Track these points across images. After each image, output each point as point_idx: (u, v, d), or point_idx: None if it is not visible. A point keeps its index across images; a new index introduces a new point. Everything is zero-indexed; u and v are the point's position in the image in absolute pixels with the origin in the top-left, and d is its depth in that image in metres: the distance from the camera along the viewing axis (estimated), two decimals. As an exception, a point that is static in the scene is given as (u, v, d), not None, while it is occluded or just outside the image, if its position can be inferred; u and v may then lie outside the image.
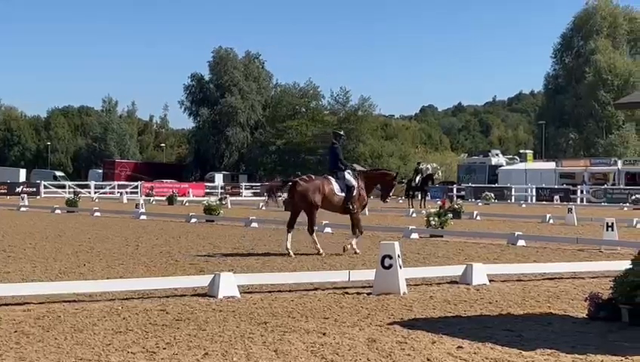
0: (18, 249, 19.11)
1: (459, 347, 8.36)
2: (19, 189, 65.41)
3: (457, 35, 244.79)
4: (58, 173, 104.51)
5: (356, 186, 18.73)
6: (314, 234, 18.61)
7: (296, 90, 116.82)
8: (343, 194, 18.57)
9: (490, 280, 13.51)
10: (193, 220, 31.25)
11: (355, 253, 18.26)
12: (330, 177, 18.73)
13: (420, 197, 49.35)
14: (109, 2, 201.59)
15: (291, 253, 17.77)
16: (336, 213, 19.54)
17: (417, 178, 49.99)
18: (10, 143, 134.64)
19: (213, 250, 19.19)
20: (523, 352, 8.14)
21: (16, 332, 8.98)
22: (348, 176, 18.73)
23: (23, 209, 41.77)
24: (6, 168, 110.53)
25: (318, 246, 18.30)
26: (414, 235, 23.53)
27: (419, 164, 55.27)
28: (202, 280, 12.16)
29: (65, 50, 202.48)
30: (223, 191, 75.21)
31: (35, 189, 68.90)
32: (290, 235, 18.20)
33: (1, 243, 20.59)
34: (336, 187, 18.52)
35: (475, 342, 8.55)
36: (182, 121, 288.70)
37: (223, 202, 41.34)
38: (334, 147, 19.28)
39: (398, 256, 12.07)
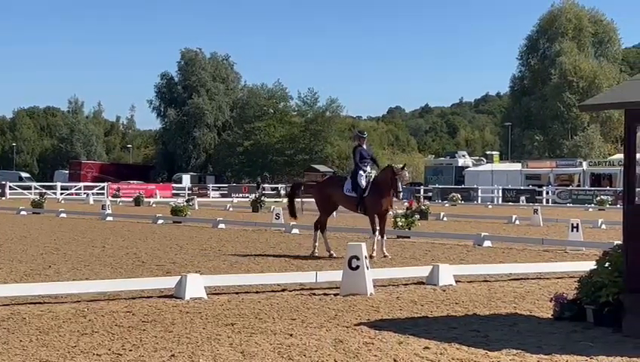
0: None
1: (425, 347, 8.39)
2: (-17, 190, 64.80)
3: (425, 37, 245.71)
4: (24, 174, 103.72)
5: (367, 188, 18.41)
6: (321, 232, 18.92)
7: (264, 92, 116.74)
8: (353, 194, 18.54)
9: (456, 281, 13.58)
10: (160, 221, 31.12)
11: (384, 256, 18.04)
12: (347, 177, 19.24)
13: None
14: (75, 1, 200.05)
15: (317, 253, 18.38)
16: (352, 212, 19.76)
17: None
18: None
19: (179, 252, 19.12)
20: (489, 353, 8.19)
21: (-20, 334, 8.91)
22: (359, 177, 18.58)
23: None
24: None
25: (316, 244, 18.62)
26: (381, 236, 23.54)
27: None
28: (169, 282, 12.12)
29: (30, 50, 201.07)
30: (190, 192, 74.96)
31: (0, 190, 68.26)
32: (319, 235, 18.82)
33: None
34: (346, 187, 18.64)
35: (442, 343, 8.59)
36: (149, 122, 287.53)
37: (190, 203, 41.22)
38: (354, 148, 19.35)
39: (365, 257, 12.11)
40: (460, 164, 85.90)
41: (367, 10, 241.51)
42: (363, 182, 18.41)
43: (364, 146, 19.22)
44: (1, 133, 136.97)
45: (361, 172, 18.57)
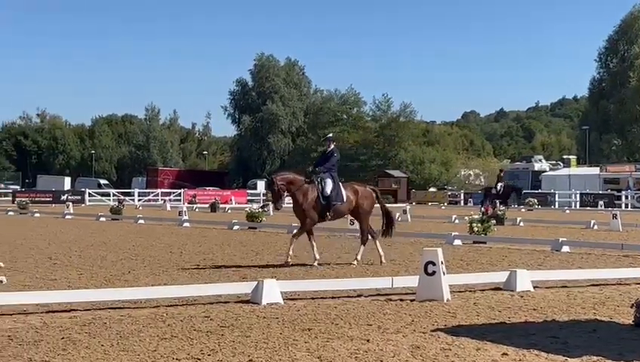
0: (64, 256, 19.32)
1: (504, 354, 8.32)
2: (64, 197, 66.05)
3: (500, 41, 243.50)
4: (102, 181, 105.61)
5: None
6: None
7: (337, 97, 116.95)
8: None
9: (534, 287, 13.42)
10: (236, 227, 31.38)
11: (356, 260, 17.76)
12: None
13: (504, 205, 45.55)
14: (149, 13, 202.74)
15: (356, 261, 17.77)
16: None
17: (499, 185, 48.52)
18: (55, 152, 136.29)
19: (255, 257, 19.25)
20: (569, 359, 8.08)
21: (63, 338, 9.08)
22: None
23: (68, 217, 42.17)
24: (51, 176, 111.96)
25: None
26: (457, 242, 23.42)
27: (501, 171, 54.37)
28: (246, 287, 12.21)
29: (108, 60, 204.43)
30: (265, 198, 75.35)
31: (79, 197, 69.53)
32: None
33: (47, 251, 20.83)
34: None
35: (520, 349, 8.50)
36: (224, 129, 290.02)
37: (266, 209, 41.43)
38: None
39: (442, 262, 12.05)
40: (536, 169, 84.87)
41: (440, 14, 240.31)
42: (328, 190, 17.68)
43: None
44: (80, 140, 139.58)
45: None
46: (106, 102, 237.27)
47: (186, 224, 34.40)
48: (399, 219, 38.61)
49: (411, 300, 12.04)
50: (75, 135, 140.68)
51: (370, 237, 18.22)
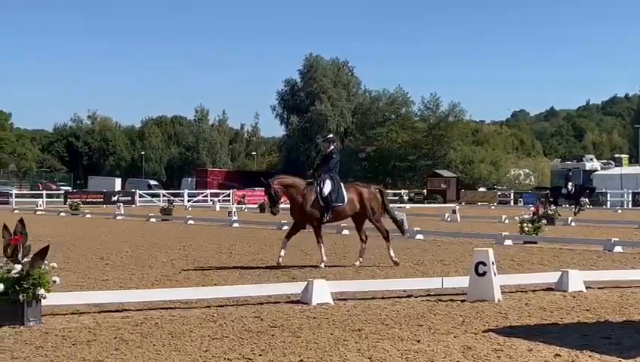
0: (115, 257, 19.52)
1: (556, 355, 8.24)
2: (115, 198, 66.63)
3: (549, 39, 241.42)
4: (152, 182, 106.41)
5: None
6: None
7: (385, 97, 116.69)
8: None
9: (586, 287, 13.28)
10: (285, 228, 31.33)
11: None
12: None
13: (575, 206, 45.90)
14: (198, 14, 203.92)
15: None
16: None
17: (569, 185, 47.73)
18: (105, 153, 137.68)
19: (305, 258, 19.28)
20: (622, 360, 7.99)
21: (115, 338, 9.18)
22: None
23: (119, 217, 42.58)
24: (102, 178, 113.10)
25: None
26: (508, 242, 23.24)
27: (569, 170, 53.64)
28: (295, 288, 12.24)
29: (158, 61, 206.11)
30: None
31: (130, 198, 70.12)
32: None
33: (99, 252, 21.05)
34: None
35: (573, 350, 8.42)
36: (272, 130, 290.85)
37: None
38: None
39: (492, 262, 11.97)
40: (587, 168, 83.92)
41: (492, 14, 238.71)
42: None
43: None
44: (130, 142, 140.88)
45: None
46: (156, 104, 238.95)
47: (236, 224, 34.56)
48: (448, 219, 38.48)
49: (462, 301, 11.98)
50: (126, 136, 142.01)
51: (365, 238, 17.94)
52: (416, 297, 12.49)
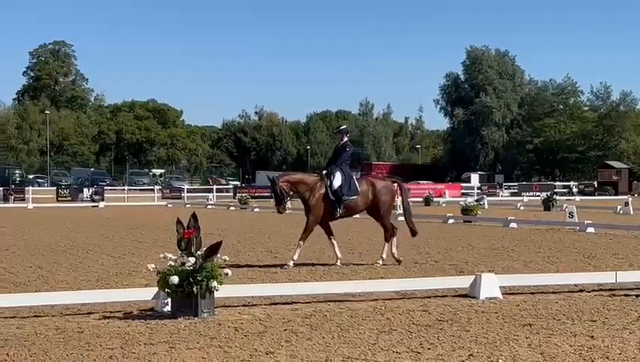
0: (284, 250, 19.82)
1: None
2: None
3: None
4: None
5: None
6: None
7: (552, 87, 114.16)
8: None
9: None
10: (450, 221, 31.22)
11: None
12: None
13: None
14: (356, 10, 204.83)
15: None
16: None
17: None
18: (272, 148, 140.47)
19: (471, 251, 19.09)
20: None
21: (286, 330, 9.34)
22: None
23: (287, 211, 43.13)
24: (270, 172, 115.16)
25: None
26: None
27: None
28: (463, 281, 12.14)
29: (322, 57, 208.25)
30: (479, 191, 74.51)
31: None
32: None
33: (268, 245, 21.51)
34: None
35: None
36: (436, 122, 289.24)
37: (481, 203, 40.97)
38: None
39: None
40: None
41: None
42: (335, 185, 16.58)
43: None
44: (296, 136, 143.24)
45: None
46: (321, 99, 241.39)
47: (400, 218, 34.44)
48: (620, 211, 37.28)
49: (636, 295, 11.60)
50: (292, 131, 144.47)
51: (394, 230, 17.12)
52: (589, 292, 12.16)
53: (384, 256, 16.79)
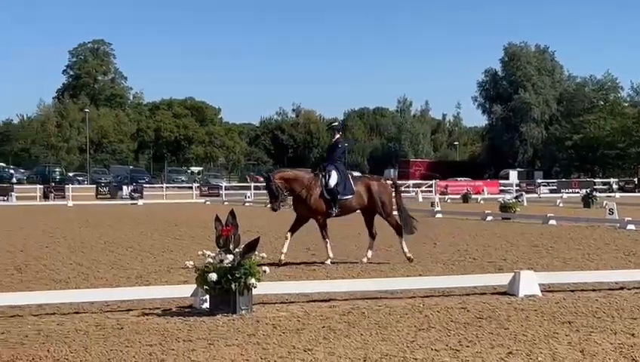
0: (321, 247, 19.80)
1: None
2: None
3: None
4: (355, 173, 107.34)
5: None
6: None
7: (592, 83, 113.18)
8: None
9: None
10: (489, 218, 31.08)
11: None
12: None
13: None
14: (392, 9, 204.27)
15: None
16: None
17: None
18: (310, 145, 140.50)
19: (510, 248, 18.98)
20: None
21: (324, 327, 9.33)
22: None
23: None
24: (307, 170, 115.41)
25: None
26: None
27: None
28: (502, 279, 12.07)
29: (359, 55, 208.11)
30: (518, 188, 74.05)
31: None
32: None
33: (305, 242, 21.47)
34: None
35: None
36: (474, 119, 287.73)
37: (519, 200, 40.74)
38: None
39: None
40: None
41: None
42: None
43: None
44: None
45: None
46: (359, 96, 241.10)
47: (439, 215, 34.42)
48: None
49: (679, 293, 11.46)
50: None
51: (375, 234, 17.04)
52: (629, 289, 12.05)
53: (405, 249, 16.68)
